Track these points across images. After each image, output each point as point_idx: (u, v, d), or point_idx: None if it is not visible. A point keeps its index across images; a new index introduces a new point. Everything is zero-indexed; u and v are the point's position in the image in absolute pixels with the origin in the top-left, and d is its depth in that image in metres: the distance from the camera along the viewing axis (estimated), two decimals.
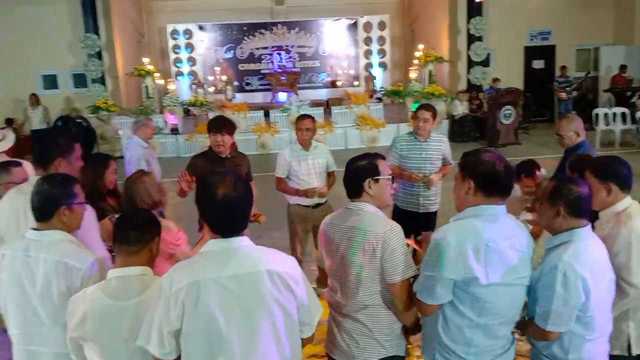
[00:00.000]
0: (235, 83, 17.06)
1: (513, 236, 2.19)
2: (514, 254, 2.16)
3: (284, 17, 18.20)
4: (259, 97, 17.24)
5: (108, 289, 2.09)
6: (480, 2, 13.81)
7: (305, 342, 2.12)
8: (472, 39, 14.09)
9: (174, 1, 18.00)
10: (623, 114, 12.15)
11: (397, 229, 2.36)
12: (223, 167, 4.17)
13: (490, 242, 2.11)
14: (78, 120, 13.68)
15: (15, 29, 14.56)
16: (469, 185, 2.22)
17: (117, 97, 14.47)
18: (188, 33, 17.46)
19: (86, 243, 2.48)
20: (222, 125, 4.34)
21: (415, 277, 2.34)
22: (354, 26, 17.72)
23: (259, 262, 1.93)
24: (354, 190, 2.47)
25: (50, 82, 15.09)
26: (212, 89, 16.61)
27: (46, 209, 2.33)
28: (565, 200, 2.26)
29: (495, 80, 14.05)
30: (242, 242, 1.95)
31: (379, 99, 15.10)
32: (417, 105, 6.08)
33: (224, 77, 16.38)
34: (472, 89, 14.38)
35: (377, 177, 2.45)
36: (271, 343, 1.93)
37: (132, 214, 2.30)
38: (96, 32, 13.91)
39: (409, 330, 2.52)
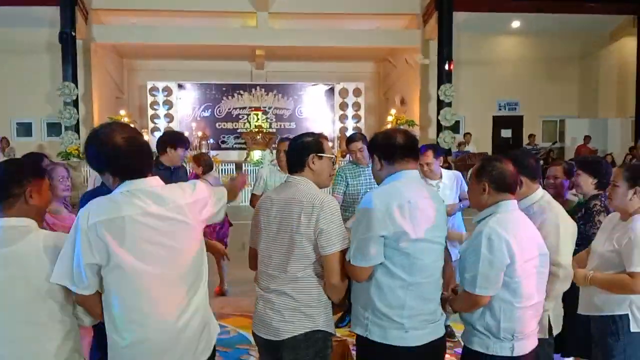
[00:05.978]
0: (211, 140, 17.22)
1: (430, 197, 2.35)
2: (433, 212, 2.30)
3: (263, 80, 18.66)
4: (234, 155, 17.35)
5: None
6: (450, 70, 14.39)
7: None
8: (442, 105, 14.57)
9: (156, 60, 18.42)
10: None
11: (332, 200, 2.40)
12: (170, 178, 4.14)
13: (412, 200, 2.25)
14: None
15: None
16: (377, 161, 2.43)
17: None
18: (167, 90, 17.68)
19: None
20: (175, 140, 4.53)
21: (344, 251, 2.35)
22: (330, 91, 18.21)
23: (173, 199, 2.03)
24: (297, 163, 2.52)
25: (25, 130, 15.11)
26: None
27: None
28: (489, 176, 2.41)
29: (461, 144, 14.45)
30: (154, 181, 2.06)
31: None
32: None
33: (199, 133, 16.54)
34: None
35: (321, 155, 2.51)
36: (187, 276, 2.05)
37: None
38: (75, 83, 14.04)
39: (335, 307, 2.50)
